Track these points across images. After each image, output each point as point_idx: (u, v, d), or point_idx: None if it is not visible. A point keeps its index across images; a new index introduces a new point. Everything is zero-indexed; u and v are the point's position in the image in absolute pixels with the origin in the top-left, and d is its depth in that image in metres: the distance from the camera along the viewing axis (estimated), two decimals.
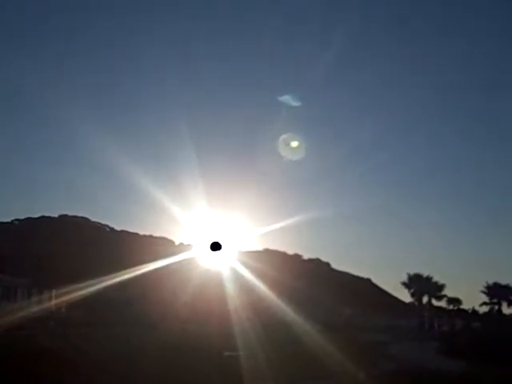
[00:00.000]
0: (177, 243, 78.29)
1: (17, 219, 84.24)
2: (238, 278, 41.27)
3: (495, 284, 73.66)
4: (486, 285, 74.43)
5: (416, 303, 73.94)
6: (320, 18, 74.77)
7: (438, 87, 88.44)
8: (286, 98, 56.50)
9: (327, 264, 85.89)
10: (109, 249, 68.21)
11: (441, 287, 73.29)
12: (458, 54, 66.27)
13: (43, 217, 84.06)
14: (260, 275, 44.42)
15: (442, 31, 75.87)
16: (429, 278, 72.53)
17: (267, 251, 75.15)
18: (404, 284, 72.78)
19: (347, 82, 76.61)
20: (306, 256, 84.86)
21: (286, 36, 76.36)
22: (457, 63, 70.67)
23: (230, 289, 38.73)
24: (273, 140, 56.33)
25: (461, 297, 76.65)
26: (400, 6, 71.55)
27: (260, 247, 73.93)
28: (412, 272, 72.52)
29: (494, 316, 71.78)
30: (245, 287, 41.14)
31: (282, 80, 71.45)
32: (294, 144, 54.80)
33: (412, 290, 73.03)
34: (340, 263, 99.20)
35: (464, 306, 77.35)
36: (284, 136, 54.93)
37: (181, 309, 40.13)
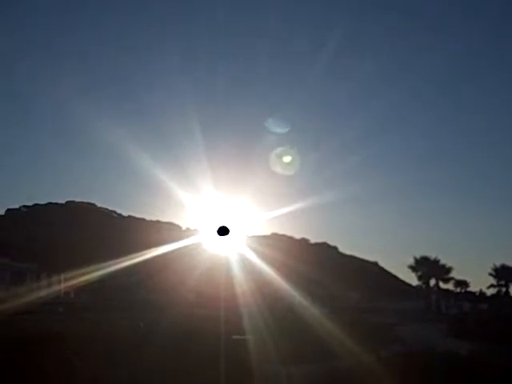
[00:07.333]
0: (184, 228, 78.44)
1: (25, 206, 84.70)
2: (246, 263, 41.17)
3: (503, 266, 73.28)
4: (493, 267, 74.30)
5: (423, 286, 73.68)
6: (314, 20, 74.14)
7: (432, 80, 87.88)
8: (270, 123, 55.03)
9: (335, 248, 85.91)
10: (116, 234, 68.40)
11: (448, 270, 73.02)
12: (454, 47, 65.44)
13: (50, 203, 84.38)
14: (267, 260, 44.40)
15: (439, 24, 74.86)
16: (436, 261, 72.25)
17: (275, 235, 75.08)
18: (411, 267, 72.50)
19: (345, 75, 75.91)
20: (313, 240, 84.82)
21: (286, 36, 75.90)
22: (453, 56, 69.90)
23: (238, 273, 38.65)
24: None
25: (468, 279, 76.53)
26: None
27: (267, 232, 73.79)
28: (419, 255, 72.27)
29: (502, 298, 71.69)
30: (252, 271, 41.12)
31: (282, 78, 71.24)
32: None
33: (419, 273, 72.72)
34: (347, 247, 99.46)
35: (471, 289, 77.34)
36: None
37: (188, 293, 40.28)
